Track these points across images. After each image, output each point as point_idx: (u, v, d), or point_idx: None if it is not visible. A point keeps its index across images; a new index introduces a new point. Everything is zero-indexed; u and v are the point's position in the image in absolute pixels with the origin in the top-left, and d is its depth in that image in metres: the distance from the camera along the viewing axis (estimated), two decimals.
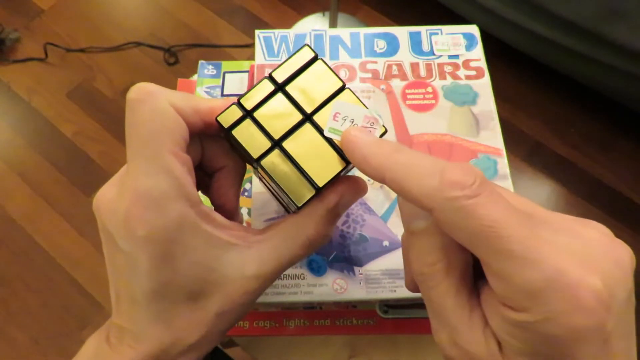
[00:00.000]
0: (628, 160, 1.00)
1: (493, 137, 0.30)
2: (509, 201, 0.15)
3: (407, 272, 0.21)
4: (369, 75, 0.32)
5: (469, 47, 0.32)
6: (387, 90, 0.31)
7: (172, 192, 0.17)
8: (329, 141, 0.19)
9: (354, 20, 1.19)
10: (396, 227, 0.27)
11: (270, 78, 0.20)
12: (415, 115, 0.30)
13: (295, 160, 0.19)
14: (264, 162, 0.19)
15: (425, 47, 0.32)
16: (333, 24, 1.06)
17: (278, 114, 0.19)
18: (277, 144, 0.19)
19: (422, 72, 0.32)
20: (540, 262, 0.14)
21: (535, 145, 1.01)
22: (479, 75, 0.32)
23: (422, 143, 0.30)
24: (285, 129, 0.19)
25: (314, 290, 0.26)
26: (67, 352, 0.83)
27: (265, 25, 1.20)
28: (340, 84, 0.19)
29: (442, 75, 0.32)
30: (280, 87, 0.19)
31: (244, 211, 0.36)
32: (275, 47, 0.32)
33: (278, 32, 0.33)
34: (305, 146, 0.19)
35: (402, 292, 0.26)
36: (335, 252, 0.27)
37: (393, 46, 0.32)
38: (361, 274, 0.26)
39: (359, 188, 0.20)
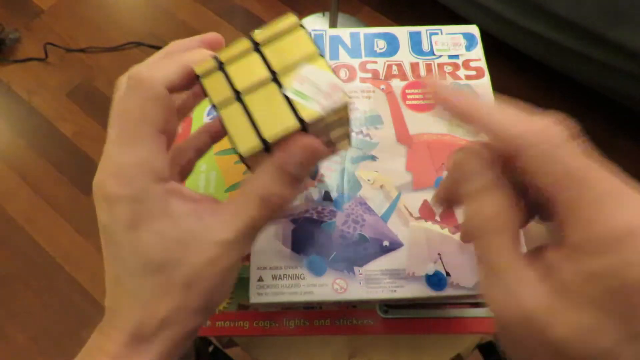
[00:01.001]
0: (628, 160, 0.98)
1: None
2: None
3: (464, 225, 0.20)
4: (369, 75, 0.32)
5: (469, 47, 0.32)
6: (387, 90, 0.31)
7: (139, 166, 0.19)
8: (289, 101, 0.19)
9: (354, 21, 1.19)
10: (396, 227, 0.27)
11: (250, 37, 0.20)
12: (415, 115, 0.30)
13: (250, 113, 0.19)
14: (222, 111, 0.20)
15: (425, 47, 0.32)
16: (333, 24, 1.06)
17: (248, 71, 0.20)
18: (237, 95, 0.20)
19: (422, 72, 0.32)
20: (628, 205, 0.15)
21: None
22: (479, 75, 0.32)
23: (422, 143, 0.30)
24: (250, 83, 0.20)
25: (314, 290, 0.26)
26: (67, 352, 0.83)
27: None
28: (315, 51, 0.20)
29: (442, 75, 0.32)
30: (256, 46, 0.20)
31: None
32: None
33: None
34: (265, 103, 0.19)
35: (402, 292, 0.26)
36: (336, 252, 0.27)
37: (393, 46, 0.32)
38: (361, 274, 0.26)
39: (312, 148, 0.19)
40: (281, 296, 0.26)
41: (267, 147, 0.19)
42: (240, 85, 0.20)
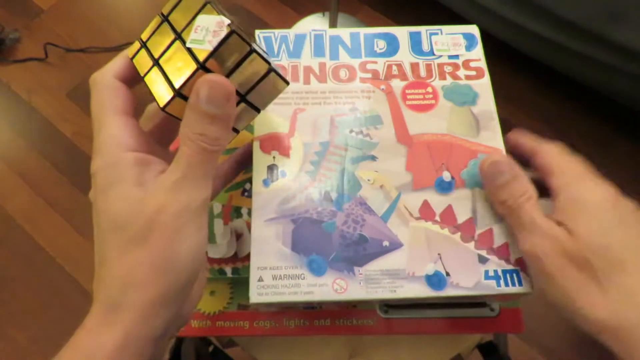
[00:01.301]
0: (628, 160, 1.01)
1: (493, 137, 0.30)
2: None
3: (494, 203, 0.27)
4: (369, 75, 0.32)
5: (469, 47, 0.32)
6: (387, 90, 0.31)
7: (109, 140, 0.22)
8: (190, 52, 0.22)
9: (354, 21, 1.19)
10: (396, 227, 0.27)
11: (160, 14, 0.24)
12: (415, 116, 0.30)
13: (165, 72, 0.23)
14: (146, 79, 0.23)
15: (425, 47, 0.32)
16: (333, 24, 1.06)
17: (161, 39, 0.23)
18: (156, 61, 0.23)
19: (422, 72, 0.32)
20: (584, 186, 0.26)
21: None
22: (479, 75, 0.32)
23: (422, 143, 0.30)
24: (163, 48, 0.23)
25: (314, 290, 0.26)
26: None
27: (265, 25, 1.20)
28: (203, 2, 0.23)
29: (442, 76, 0.32)
30: (164, 18, 0.24)
31: (244, 211, 0.36)
32: (275, 47, 0.32)
33: (278, 32, 0.33)
34: (175, 60, 0.22)
35: (402, 292, 0.26)
36: (336, 252, 0.27)
37: (393, 46, 0.32)
38: (361, 274, 0.26)
39: (212, 82, 0.21)
40: (281, 296, 0.26)
41: (182, 95, 0.22)
42: (156, 53, 0.23)
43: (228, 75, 0.23)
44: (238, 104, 0.24)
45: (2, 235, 0.94)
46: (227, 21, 0.22)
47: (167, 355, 0.39)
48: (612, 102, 0.98)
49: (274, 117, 0.30)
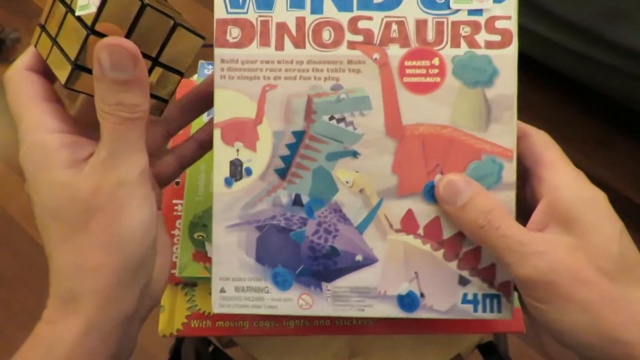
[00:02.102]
0: (628, 160, 0.99)
1: (505, 133, 0.24)
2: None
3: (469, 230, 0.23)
4: (360, 38, 0.24)
5: None
6: (382, 60, 0.24)
7: (30, 126, 0.21)
8: (80, 20, 0.20)
9: None
10: (372, 239, 0.25)
11: None
12: (413, 98, 0.24)
13: (62, 48, 0.21)
14: (48, 61, 0.22)
15: None
16: None
17: (56, 17, 0.22)
18: (54, 40, 0.22)
19: (430, 34, 0.24)
20: (560, 175, 0.23)
21: None
22: (505, 42, 0.24)
23: (416, 137, 0.24)
24: (57, 25, 0.21)
25: (278, 305, 0.25)
26: None
27: None
28: None
29: (456, 41, 0.24)
30: None
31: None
32: None
33: None
34: (69, 34, 0.21)
35: (371, 311, 0.25)
36: (303, 265, 0.25)
37: None
38: (329, 290, 0.25)
39: (108, 44, 0.19)
40: (244, 308, 0.25)
41: (82, 67, 0.21)
42: (53, 33, 0.22)
43: (128, 37, 0.21)
44: (152, 68, 0.23)
45: (2, 235, 0.94)
46: None
47: (167, 355, 0.41)
48: (612, 102, 0.97)
49: (237, 97, 0.25)
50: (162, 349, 0.45)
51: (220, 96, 0.25)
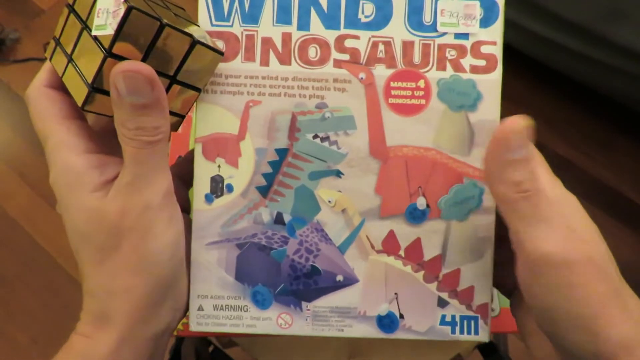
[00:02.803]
0: (628, 160, 0.99)
1: None
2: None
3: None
4: (347, 56, 0.24)
5: (485, 22, 0.24)
6: (367, 80, 0.24)
7: (57, 148, 0.21)
8: (96, 40, 0.20)
9: None
10: (353, 259, 0.25)
11: (67, 4, 0.22)
12: (397, 120, 0.24)
13: (78, 68, 0.21)
14: (63, 79, 0.21)
15: (427, 17, 0.24)
16: None
17: (71, 32, 0.21)
18: (69, 58, 0.21)
19: (417, 56, 0.24)
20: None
21: (536, 145, 0.97)
22: (489, 67, 0.24)
23: (400, 158, 0.24)
24: (74, 42, 0.21)
25: (257, 324, 0.24)
26: None
27: None
28: None
29: (442, 64, 0.24)
30: (71, 8, 0.21)
31: None
32: (226, 5, 0.24)
33: None
34: (85, 53, 0.20)
35: (350, 332, 0.25)
36: (284, 285, 0.24)
37: (384, 13, 0.24)
38: (309, 309, 0.25)
39: (124, 69, 0.19)
40: (222, 327, 0.24)
41: (99, 90, 0.20)
42: (69, 49, 0.21)
43: (145, 58, 0.20)
44: (170, 86, 0.22)
45: (2, 235, 0.93)
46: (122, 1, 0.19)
47: (167, 355, 0.40)
48: (612, 102, 0.96)
49: (220, 112, 0.24)
50: None
51: (202, 110, 0.24)
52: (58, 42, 0.22)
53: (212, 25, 0.24)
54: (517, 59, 0.99)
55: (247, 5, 0.24)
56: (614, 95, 0.94)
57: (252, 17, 0.24)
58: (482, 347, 0.39)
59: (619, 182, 0.99)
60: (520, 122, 0.20)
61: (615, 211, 0.96)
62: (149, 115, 0.20)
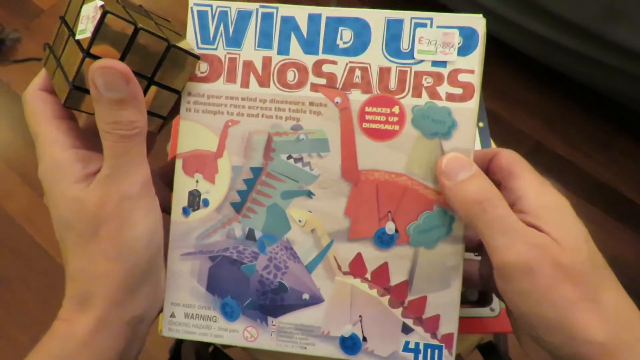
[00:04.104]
0: (628, 160, 0.97)
1: None
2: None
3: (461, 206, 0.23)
4: (323, 81, 0.25)
5: (463, 51, 0.24)
6: (343, 105, 0.25)
7: (46, 144, 0.23)
8: (79, 44, 0.21)
9: None
10: (320, 279, 0.25)
11: (60, 17, 0.24)
12: (370, 144, 0.25)
13: (63, 69, 0.22)
14: (52, 81, 0.23)
15: (405, 44, 0.24)
16: None
17: (61, 40, 0.23)
18: (57, 62, 0.23)
19: (392, 82, 0.25)
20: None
21: (535, 145, 1.00)
22: (466, 96, 0.24)
23: (371, 182, 0.25)
24: (61, 48, 0.23)
25: (224, 335, 0.25)
26: None
27: None
28: None
29: (417, 90, 0.24)
30: (62, 20, 0.23)
31: None
32: (212, 28, 0.25)
33: (216, 6, 0.25)
34: (70, 56, 0.22)
35: (313, 350, 0.25)
36: (251, 299, 0.25)
37: (362, 40, 0.25)
38: (274, 325, 0.25)
39: (102, 65, 0.21)
40: (192, 335, 0.26)
41: (80, 89, 0.22)
42: (58, 54, 0.23)
43: (122, 59, 0.22)
44: (148, 87, 0.24)
45: (2, 235, 0.94)
46: (100, 3, 0.21)
47: (167, 355, 0.42)
48: (612, 102, 0.96)
49: (201, 130, 0.25)
50: (162, 349, 0.45)
51: (184, 128, 0.26)
52: (51, 49, 0.24)
53: (198, 47, 0.25)
54: (516, 59, 0.98)
55: (231, 30, 0.25)
56: (614, 95, 0.94)
57: (235, 41, 0.25)
58: (482, 347, 0.38)
59: (619, 182, 0.97)
60: (452, 154, 0.24)
61: (615, 211, 0.94)
62: (125, 109, 0.21)
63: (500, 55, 0.95)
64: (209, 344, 0.43)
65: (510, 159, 0.24)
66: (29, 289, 0.91)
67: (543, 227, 0.21)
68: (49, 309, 0.93)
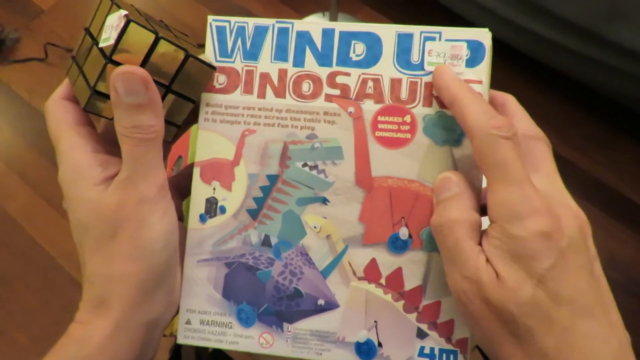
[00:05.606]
0: (628, 160, 0.98)
1: None
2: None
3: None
4: (337, 91, 0.26)
5: (471, 62, 0.25)
6: (356, 114, 0.26)
7: (70, 149, 0.23)
8: (102, 52, 0.22)
9: (354, 21, 1.09)
10: (335, 285, 0.25)
11: (84, 28, 0.25)
12: (384, 152, 0.25)
13: (85, 76, 0.23)
14: (73, 88, 0.24)
15: (415, 56, 0.26)
16: None
17: (84, 49, 0.24)
18: (80, 70, 0.24)
19: (404, 93, 0.26)
20: (518, 193, 0.21)
21: None
22: None
23: (384, 189, 0.25)
24: (84, 57, 0.24)
25: (239, 341, 0.26)
26: None
27: None
28: (110, 4, 0.23)
29: (428, 100, 0.25)
30: (87, 31, 0.24)
31: None
32: (229, 42, 0.27)
33: (234, 22, 0.27)
34: (93, 64, 0.23)
35: (328, 356, 0.25)
36: (267, 305, 0.26)
37: (373, 53, 0.26)
38: (289, 331, 0.25)
39: (123, 71, 0.21)
40: (207, 342, 0.26)
41: (101, 94, 0.23)
42: (81, 62, 0.24)
43: (143, 66, 0.23)
44: (165, 95, 0.24)
45: (2, 235, 0.94)
46: (124, 12, 0.22)
47: (167, 355, 0.42)
48: (612, 102, 0.96)
49: (218, 139, 0.26)
50: (162, 349, 0.45)
51: (202, 137, 0.26)
52: (74, 59, 0.25)
53: (217, 60, 0.27)
54: (517, 59, 1.00)
55: (248, 44, 0.26)
56: (614, 95, 0.94)
57: (252, 54, 0.26)
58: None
59: (619, 182, 0.97)
60: (445, 174, 0.24)
61: (615, 211, 0.95)
62: (143, 114, 0.22)
63: (501, 55, 0.96)
64: None
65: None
66: (29, 289, 0.90)
67: (493, 262, 0.21)
68: (49, 309, 0.93)
